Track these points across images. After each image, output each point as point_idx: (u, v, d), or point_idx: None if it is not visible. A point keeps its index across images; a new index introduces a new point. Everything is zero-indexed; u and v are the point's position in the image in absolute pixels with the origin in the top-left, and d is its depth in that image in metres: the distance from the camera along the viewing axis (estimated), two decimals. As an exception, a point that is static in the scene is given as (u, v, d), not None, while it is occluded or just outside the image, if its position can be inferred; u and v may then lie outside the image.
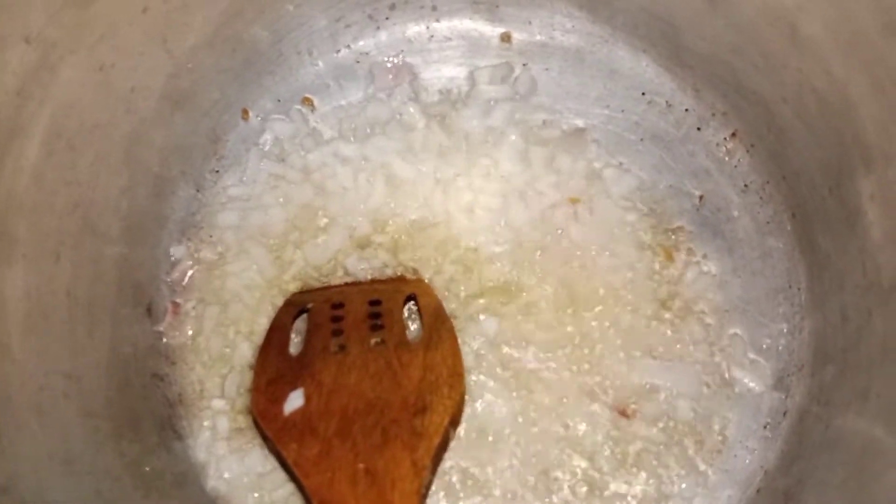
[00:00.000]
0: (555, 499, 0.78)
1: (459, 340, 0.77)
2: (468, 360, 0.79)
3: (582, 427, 0.79)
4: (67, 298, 0.70)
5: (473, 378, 0.80)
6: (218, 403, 0.81)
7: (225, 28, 0.82)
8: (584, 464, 0.78)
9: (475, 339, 0.81)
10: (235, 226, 0.87)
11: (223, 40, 0.82)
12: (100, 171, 0.74)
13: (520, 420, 0.79)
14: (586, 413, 0.80)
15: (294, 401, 0.67)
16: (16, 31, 0.59)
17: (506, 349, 0.81)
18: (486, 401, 0.80)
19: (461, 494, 0.77)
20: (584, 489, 0.78)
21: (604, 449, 0.79)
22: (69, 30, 0.64)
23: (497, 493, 0.77)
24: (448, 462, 0.77)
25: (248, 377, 0.81)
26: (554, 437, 0.79)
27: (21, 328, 0.63)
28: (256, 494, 0.78)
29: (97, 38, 0.68)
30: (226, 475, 0.78)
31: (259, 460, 0.79)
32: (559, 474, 0.78)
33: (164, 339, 0.83)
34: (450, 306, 0.82)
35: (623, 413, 0.80)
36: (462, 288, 0.83)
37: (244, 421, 0.80)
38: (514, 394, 0.80)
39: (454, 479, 0.78)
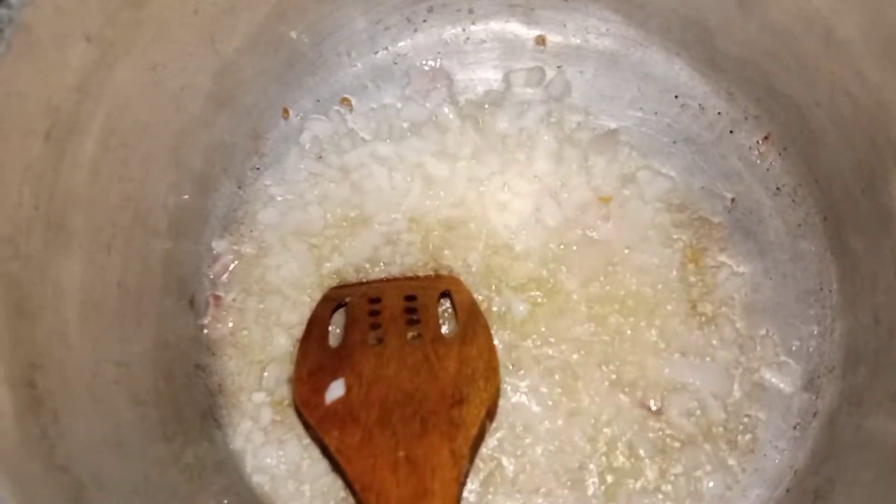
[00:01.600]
0: (587, 493, 0.79)
1: (493, 335, 0.79)
2: (501, 355, 0.81)
3: (612, 423, 0.81)
4: (118, 289, 0.73)
5: (506, 373, 0.81)
6: (257, 395, 0.84)
7: (268, 30, 0.84)
8: (614, 459, 0.80)
9: (509, 334, 0.83)
10: (275, 223, 0.89)
11: (266, 42, 0.85)
12: (149, 168, 0.77)
13: (551, 415, 0.81)
14: (616, 409, 0.81)
15: (335, 390, 0.69)
16: (76, 29, 0.62)
17: (539, 344, 0.83)
18: (518, 395, 0.81)
19: (492, 489, 0.79)
20: (616, 484, 0.79)
21: (634, 444, 0.80)
22: (125, 29, 0.67)
23: (530, 487, 0.79)
24: (481, 455, 0.79)
25: (287, 369, 0.84)
26: (585, 432, 0.80)
27: (76, 316, 0.65)
28: (294, 483, 0.80)
29: (150, 38, 0.70)
30: (266, 462, 0.81)
31: (297, 450, 0.82)
32: (591, 468, 0.79)
33: (206, 331, 0.86)
34: (483, 303, 0.84)
35: (652, 410, 0.81)
36: (495, 285, 0.85)
37: (282, 412, 0.83)
38: (546, 389, 0.81)
39: (487, 473, 0.80)
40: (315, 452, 0.82)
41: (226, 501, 0.75)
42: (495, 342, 0.79)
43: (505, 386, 0.81)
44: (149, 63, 0.72)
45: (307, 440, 0.82)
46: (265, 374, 0.84)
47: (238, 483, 0.80)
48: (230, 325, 0.86)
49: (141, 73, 0.71)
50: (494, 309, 0.84)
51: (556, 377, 0.82)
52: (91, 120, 0.67)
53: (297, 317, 0.85)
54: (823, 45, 0.75)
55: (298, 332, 0.83)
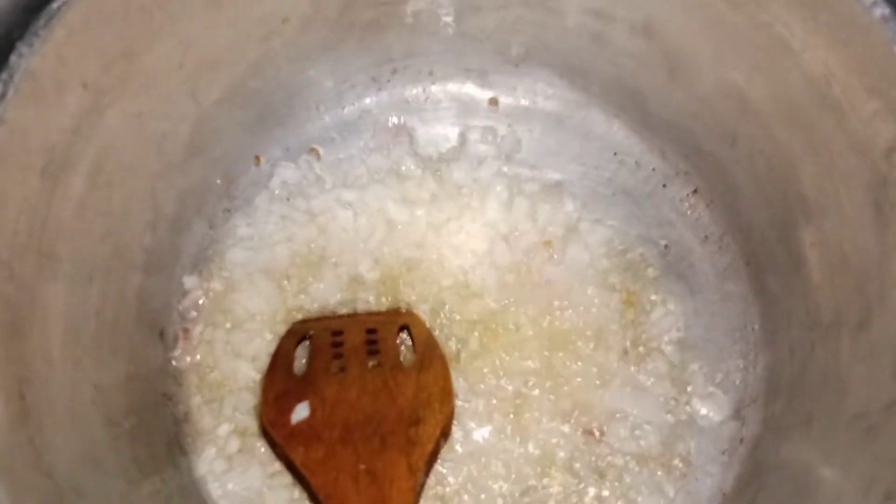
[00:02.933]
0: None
1: (454, 365, 0.85)
2: (457, 384, 0.87)
3: (557, 448, 0.87)
4: (96, 318, 0.77)
5: (463, 403, 0.88)
6: (223, 426, 0.88)
7: (244, 85, 0.92)
8: (557, 482, 0.86)
9: (463, 365, 0.89)
10: (244, 261, 0.95)
11: (243, 95, 0.92)
12: (130, 206, 0.82)
13: (501, 440, 0.87)
14: (562, 435, 0.87)
15: (300, 412, 0.75)
16: (75, 77, 0.69)
17: (491, 375, 0.89)
18: (471, 422, 0.87)
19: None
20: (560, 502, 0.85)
21: (576, 468, 0.86)
22: (117, 79, 0.73)
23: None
24: (433, 475, 0.84)
25: (251, 399, 0.88)
26: (532, 456, 0.87)
27: (60, 339, 0.70)
28: (256, 508, 0.85)
29: (138, 88, 0.77)
30: (229, 488, 0.85)
31: (260, 478, 0.86)
32: (536, 490, 0.85)
33: (174, 362, 0.90)
34: (440, 337, 0.90)
35: (595, 436, 0.88)
36: (451, 320, 0.92)
37: (246, 441, 0.87)
38: (497, 416, 0.88)
39: (438, 493, 0.85)
40: (277, 480, 0.86)
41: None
42: (451, 372, 0.85)
43: (462, 415, 0.87)
44: (135, 110, 0.78)
45: (270, 468, 0.86)
46: (231, 404, 0.89)
47: (203, 506, 0.84)
48: (198, 357, 0.91)
49: (128, 118, 0.77)
50: (451, 343, 0.90)
51: (507, 405, 0.88)
52: (81, 159, 0.73)
53: (262, 349, 0.90)
54: (740, 110, 0.85)
55: (263, 364, 0.88)
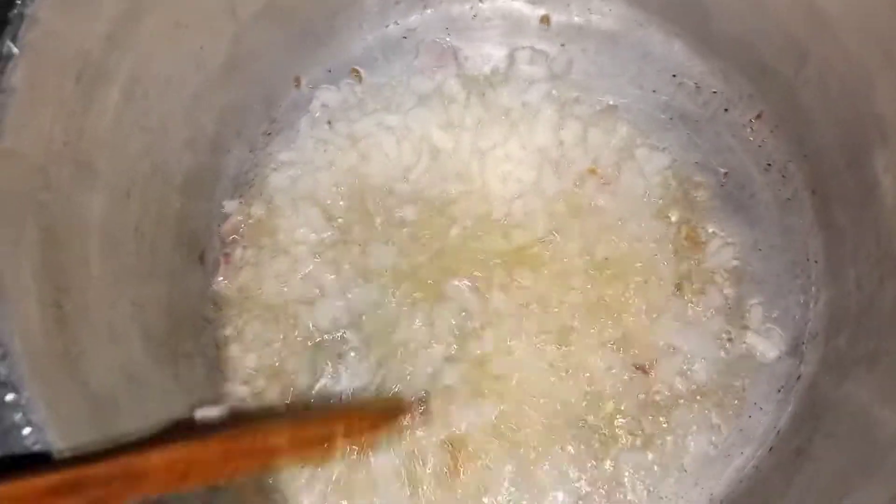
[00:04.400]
0: (579, 449, 0.82)
1: (498, 298, 0.83)
2: (504, 315, 0.85)
3: (605, 382, 0.84)
4: (135, 235, 0.76)
5: (509, 333, 0.85)
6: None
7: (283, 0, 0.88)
8: (605, 417, 0.83)
9: (513, 297, 0.86)
10: (286, 186, 0.93)
11: (282, 11, 0.88)
12: (168, 122, 0.80)
13: (549, 373, 0.84)
14: (609, 369, 0.84)
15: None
16: (110, -20, 0.66)
17: (539, 307, 0.86)
18: (519, 353, 0.84)
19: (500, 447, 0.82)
20: (606, 442, 0.83)
21: (625, 404, 0.83)
22: (152, -15, 0.71)
23: (527, 443, 0.82)
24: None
25: (289, 325, 0.87)
26: (580, 390, 0.84)
27: (98, 251, 0.69)
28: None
29: (175, -3, 0.74)
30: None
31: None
32: (583, 426, 0.83)
33: (214, 287, 0.89)
34: (487, 269, 0.87)
35: (644, 370, 0.84)
36: (497, 252, 0.88)
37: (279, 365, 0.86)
38: (545, 349, 0.85)
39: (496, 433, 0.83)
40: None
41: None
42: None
43: (510, 344, 0.85)
44: (172, 20, 0.76)
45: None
46: (270, 330, 0.88)
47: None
48: (239, 281, 0.90)
49: (165, 28, 0.75)
50: (496, 274, 0.87)
51: (555, 338, 0.85)
52: (118, 68, 0.71)
53: (306, 276, 0.89)
54: (811, 24, 0.79)
55: (307, 290, 0.87)
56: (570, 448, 0.82)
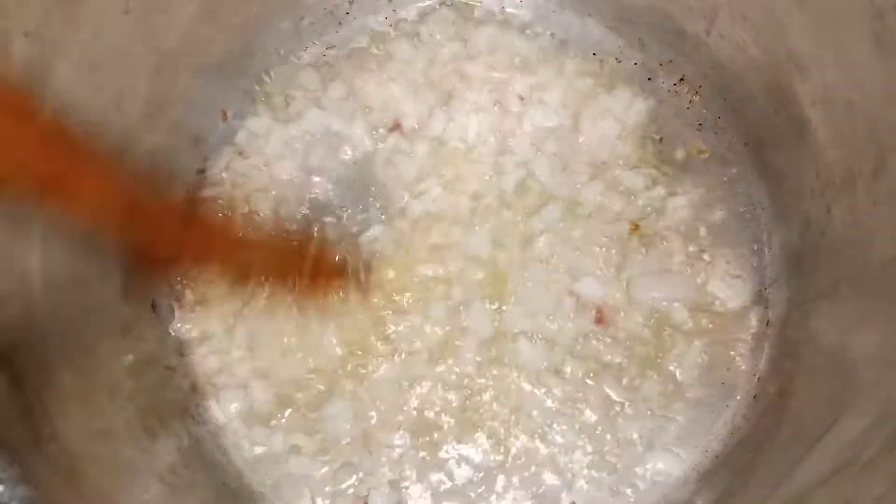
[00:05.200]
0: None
1: None
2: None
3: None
4: (80, 286, 0.73)
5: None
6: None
7: (199, 31, 0.86)
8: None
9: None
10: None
11: (200, 43, 0.87)
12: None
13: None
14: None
15: None
16: (16, 26, 0.63)
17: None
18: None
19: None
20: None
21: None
22: (62, 27, 0.68)
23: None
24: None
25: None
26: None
27: (44, 306, 0.65)
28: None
29: (87, 37, 0.72)
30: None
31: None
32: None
33: (173, 333, 0.86)
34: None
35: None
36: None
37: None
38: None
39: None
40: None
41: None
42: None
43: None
44: (87, 62, 0.73)
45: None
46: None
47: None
48: (196, 326, 0.87)
49: (81, 72, 0.72)
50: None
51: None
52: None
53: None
54: (717, -22, 0.82)
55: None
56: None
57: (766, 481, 0.69)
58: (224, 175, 0.93)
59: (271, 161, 0.92)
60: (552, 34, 0.96)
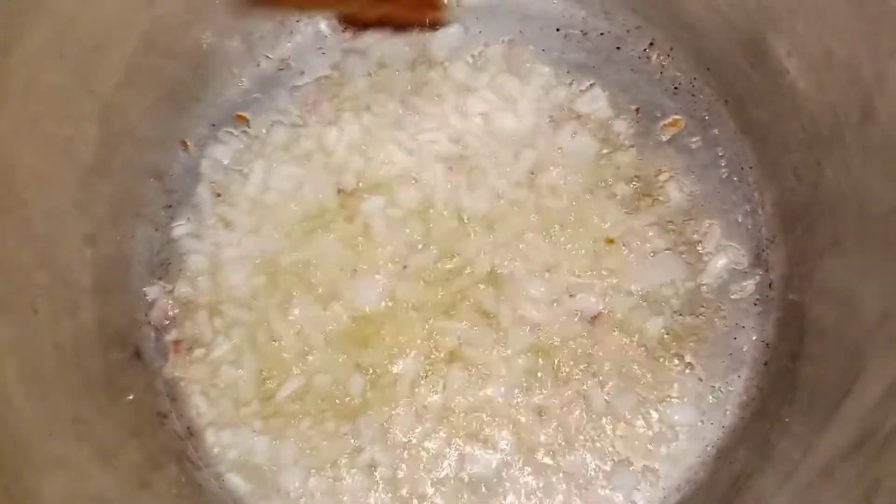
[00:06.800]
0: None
1: None
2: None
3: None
4: (54, 350, 0.70)
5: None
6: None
7: (141, 64, 0.82)
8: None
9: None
10: (202, 259, 0.87)
11: (144, 75, 0.83)
12: (55, 224, 0.74)
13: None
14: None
15: None
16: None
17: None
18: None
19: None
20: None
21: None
22: (-7, 80, 0.65)
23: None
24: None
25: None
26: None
27: (16, 378, 0.62)
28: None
29: (24, 87, 0.68)
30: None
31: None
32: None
33: (165, 376, 0.83)
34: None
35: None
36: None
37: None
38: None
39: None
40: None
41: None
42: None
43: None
44: (28, 115, 0.70)
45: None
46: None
47: None
48: (193, 368, 0.84)
49: (23, 125, 0.69)
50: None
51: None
52: (-21, 181, 0.64)
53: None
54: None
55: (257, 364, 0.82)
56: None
57: (788, 456, 0.67)
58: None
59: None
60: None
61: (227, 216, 0.88)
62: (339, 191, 0.87)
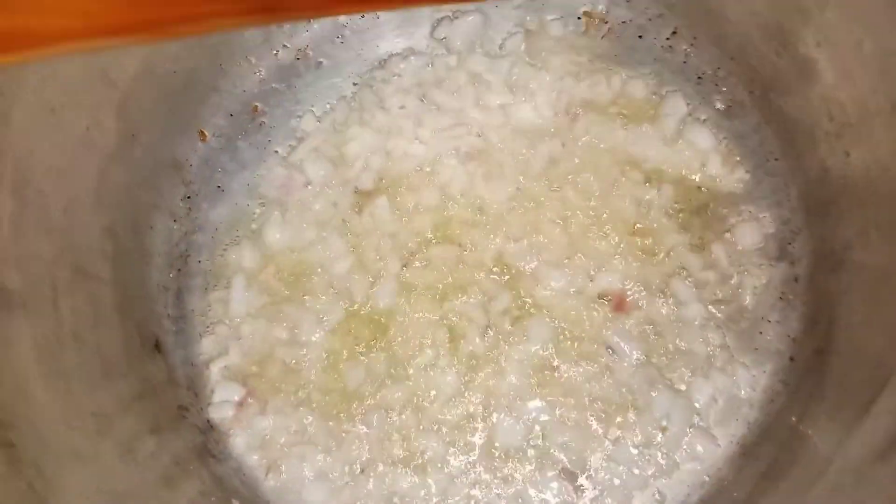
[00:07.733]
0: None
1: None
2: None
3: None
4: (74, 342, 0.69)
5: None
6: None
7: (159, 52, 0.82)
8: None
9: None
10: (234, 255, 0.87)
11: (161, 65, 0.82)
12: (74, 216, 0.73)
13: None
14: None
15: None
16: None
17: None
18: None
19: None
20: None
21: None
22: (11, 71, 0.64)
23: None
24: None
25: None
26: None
27: (37, 370, 0.62)
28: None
29: (41, 79, 0.67)
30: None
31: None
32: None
33: (180, 372, 0.83)
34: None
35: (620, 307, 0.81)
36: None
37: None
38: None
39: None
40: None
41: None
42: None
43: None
44: (45, 106, 0.69)
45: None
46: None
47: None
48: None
49: (40, 117, 0.68)
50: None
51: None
52: (0, 173, 0.64)
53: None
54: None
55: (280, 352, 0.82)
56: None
57: (816, 455, 0.66)
58: None
59: None
60: None
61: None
62: (356, 188, 0.86)
